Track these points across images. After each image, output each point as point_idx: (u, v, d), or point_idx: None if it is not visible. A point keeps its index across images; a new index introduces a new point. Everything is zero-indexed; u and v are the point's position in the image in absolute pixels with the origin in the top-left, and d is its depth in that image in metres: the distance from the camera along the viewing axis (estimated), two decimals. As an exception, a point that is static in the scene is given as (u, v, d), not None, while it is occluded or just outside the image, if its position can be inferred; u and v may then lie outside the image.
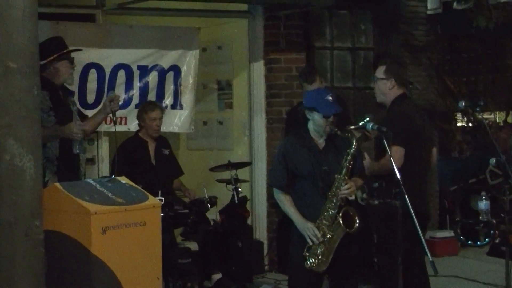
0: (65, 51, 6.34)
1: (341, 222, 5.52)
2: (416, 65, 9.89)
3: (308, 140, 5.73)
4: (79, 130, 6.11)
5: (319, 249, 5.54)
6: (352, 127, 5.90)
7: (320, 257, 5.54)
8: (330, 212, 5.56)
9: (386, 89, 6.41)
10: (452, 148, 13.24)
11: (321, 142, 5.74)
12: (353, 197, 5.69)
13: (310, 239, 5.54)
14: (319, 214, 5.57)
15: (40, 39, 5.15)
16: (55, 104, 6.21)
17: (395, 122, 6.17)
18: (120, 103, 6.55)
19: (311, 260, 5.55)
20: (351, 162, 5.59)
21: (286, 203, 5.73)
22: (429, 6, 9.92)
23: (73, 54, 6.49)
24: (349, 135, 5.66)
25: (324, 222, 5.56)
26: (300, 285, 5.73)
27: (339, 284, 5.76)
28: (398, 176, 5.46)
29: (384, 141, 5.58)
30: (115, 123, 6.46)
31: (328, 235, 5.53)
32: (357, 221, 5.58)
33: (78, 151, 6.27)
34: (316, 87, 7.68)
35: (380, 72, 6.50)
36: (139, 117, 7.80)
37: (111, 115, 6.46)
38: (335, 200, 5.56)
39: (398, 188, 5.45)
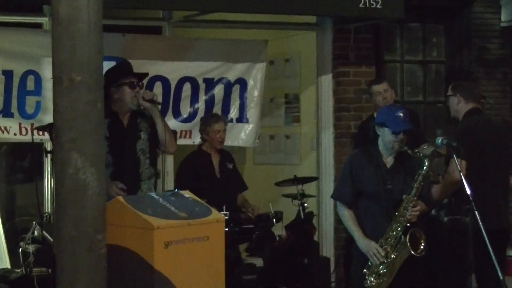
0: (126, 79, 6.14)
1: (408, 243, 5.39)
2: (490, 79, 9.70)
3: (376, 158, 5.65)
4: (117, 192, 5.86)
5: (380, 269, 5.43)
6: (425, 146, 5.83)
7: (380, 277, 5.44)
8: (395, 233, 5.45)
9: (454, 105, 6.50)
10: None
11: (389, 160, 5.66)
12: (415, 220, 5.55)
13: (373, 258, 5.44)
14: (382, 233, 5.49)
15: (105, 51, 5.11)
16: (113, 133, 6.05)
17: (457, 136, 6.12)
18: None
19: (370, 279, 5.47)
20: (422, 183, 5.46)
21: (348, 218, 5.68)
22: (503, 18, 9.79)
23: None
24: (420, 155, 5.55)
25: (388, 242, 5.45)
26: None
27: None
28: (468, 192, 5.33)
29: (454, 155, 5.50)
30: (153, 102, 6.05)
31: (392, 256, 5.42)
32: (423, 244, 5.45)
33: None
34: (385, 88, 7.72)
35: (449, 88, 6.62)
36: (202, 130, 7.72)
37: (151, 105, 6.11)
38: (401, 220, 5.44)
39: (468, 204, 5.33)
